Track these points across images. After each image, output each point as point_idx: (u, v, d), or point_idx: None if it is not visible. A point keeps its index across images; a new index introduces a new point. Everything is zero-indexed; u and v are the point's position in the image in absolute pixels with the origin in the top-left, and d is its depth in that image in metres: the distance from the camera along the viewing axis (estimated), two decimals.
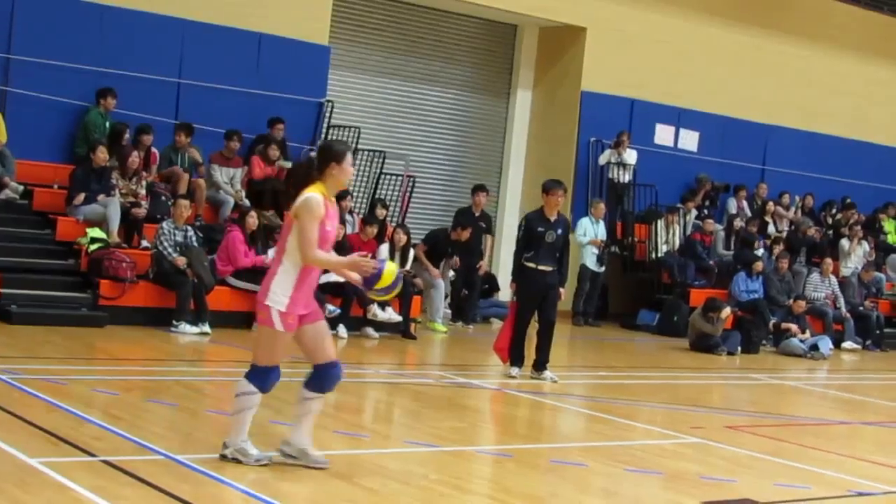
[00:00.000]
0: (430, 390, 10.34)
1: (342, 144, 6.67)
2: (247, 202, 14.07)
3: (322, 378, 6.40)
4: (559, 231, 10.90)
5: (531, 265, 10.71)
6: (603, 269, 16.89)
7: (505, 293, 15.31)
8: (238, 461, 6.31)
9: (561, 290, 11.10)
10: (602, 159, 17.98)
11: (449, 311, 15.32)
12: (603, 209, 16.91)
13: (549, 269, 10.80)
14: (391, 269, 6.37)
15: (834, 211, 20.43)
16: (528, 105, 18.78)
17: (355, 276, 6.33)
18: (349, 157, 6.41)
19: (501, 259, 17.45)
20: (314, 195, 6.20)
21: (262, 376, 6.32)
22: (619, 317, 17.61)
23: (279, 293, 6.20)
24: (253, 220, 13.08)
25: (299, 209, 6.16)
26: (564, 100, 18.28)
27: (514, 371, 10.87)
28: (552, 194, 10.88)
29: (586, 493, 6.77)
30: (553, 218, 10.92)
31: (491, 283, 16.68)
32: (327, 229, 6.27)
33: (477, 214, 15.77)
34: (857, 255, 19.28)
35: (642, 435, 8.86)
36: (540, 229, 10.82)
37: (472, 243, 15.41)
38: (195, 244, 12.54)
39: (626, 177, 17.85)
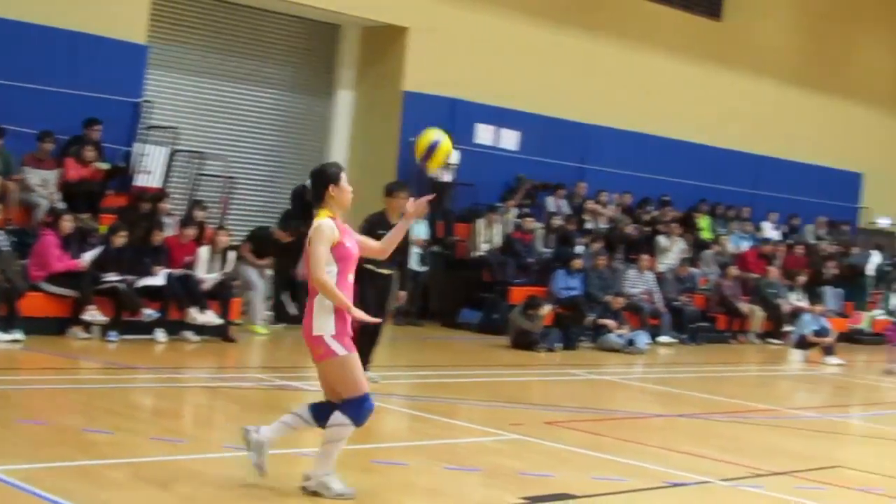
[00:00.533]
0: (250, 393, 10.22)
1: (334, 166, 6.64)
2: (61, 205, 13.63)
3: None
4: None
5: (372, 268, 10.55)
6: (425, 268, 16.98)
7: None
8: (318, 494, 6.21)
9: (402, 293, 11.07)
10: None
11: (270, 313, 15.16)
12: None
13: (390, 272, 10.66)
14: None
15: (651, 208, 21.03)
16: (350, 105, 18.76)
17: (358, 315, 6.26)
18: (343, 175, 6.48)
19: None
20: (324, 221, 6.30)
21: (355, 408, 6.21)
22: (441, 315, 17.74)
23: (322, 320, 6.18)
24: (68, 223, 12.68)
25: (311, 236, 6.26)
26: (386, 99, 18.32)
27: (373, 376, 10.63)
28: (395, 197, 10.67)
29: (406, 492, 6.80)
30: (395, 221, 10.76)
31: None
32: (347, 246, 6.35)
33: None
34: (673, 251, 19.90)
35: (463, 433, 8.94)
36: (381, 232, 10.60)
37: (296, 245, 15.28)
38: (5, 248, 12.09)
39: (447, 176, 17.99)
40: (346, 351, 6.19)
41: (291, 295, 15.32)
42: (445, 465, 7.42)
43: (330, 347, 6.16)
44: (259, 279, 14.68)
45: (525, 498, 6.66)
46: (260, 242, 15.05)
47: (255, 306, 14.57)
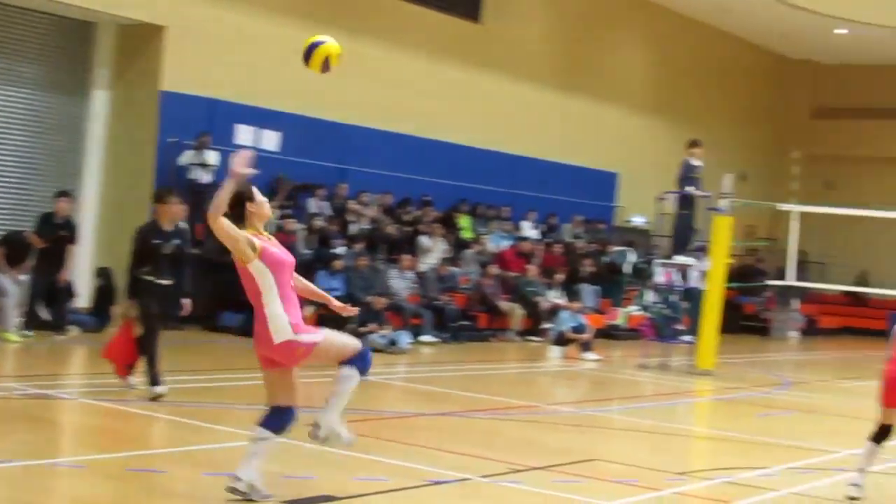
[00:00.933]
0: (2, 403, 9.78)
1: (245, 185, 6.67)
2: None
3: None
4: (177, 242, 10.45)
5: (149, 279, 10.22)
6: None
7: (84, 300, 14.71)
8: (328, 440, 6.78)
9: (186, 301, 10.78)
10: (183, 160, 17.71)
11: (20, 320, 14.52)
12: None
13: (168, 282, 10.35)
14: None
15: (412, 209, 21.28)
16: (106, 105, 18.16)
17: (244, 172, 6.43)
18: (255, 189, 6.72)
19: (80, 265, 16.75)
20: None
21: (360, 360, 6.81)
22: (201, 319, 17.40)
23: (277, 324, 6.55)
24: None
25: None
26: (143, 100, 17.84)
27: (160, 389, 10.28)
28: (166, 202, 10.41)
29: (162, 499, 6.66)
30: (169, 229, 10.50)
31: (69, 291, 15.99)
32: (273, 251, 6.62)
33: (59, 222, 15.02)
34: (435, 251, 20.21)
35: (226, 437, 8.83)
36: (155, 241, 10.33)
37: (54, 250, 14.72)
38: None
39: (207, 178, 17.67)
40: (317, 335, 6.61)
41: (47, 302, 14.78)
42: (204, 472, 7.30)
43: (304, 342, 6.53)
44: (12, 285, 14.10)
45: (285, 501, 6.63)
46: (13, 247, 14.45)
47: (6, 313, 13.96)
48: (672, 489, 8.07)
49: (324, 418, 6.74)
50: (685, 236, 17.34)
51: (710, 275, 16.96)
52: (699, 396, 14.82)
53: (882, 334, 30.43)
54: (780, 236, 19.50)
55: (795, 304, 28.05)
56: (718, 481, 8.53)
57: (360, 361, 6.76)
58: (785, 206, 19.31)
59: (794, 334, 27.49)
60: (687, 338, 17.50)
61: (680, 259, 17.29)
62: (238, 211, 6.57)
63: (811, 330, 29.14)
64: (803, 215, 20.83)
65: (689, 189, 16.77)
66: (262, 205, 6.70)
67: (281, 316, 6.52)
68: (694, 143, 17.06)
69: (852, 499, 7.91)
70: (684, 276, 18.00)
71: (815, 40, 30.52)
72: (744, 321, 28.23)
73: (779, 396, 14.83)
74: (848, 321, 31.41)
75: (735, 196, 17.36)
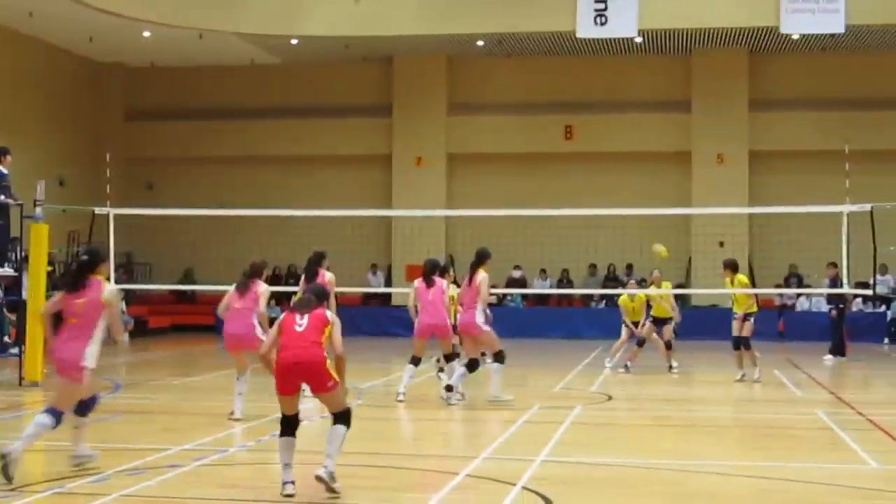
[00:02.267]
0: None
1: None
2: None
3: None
4: None
5: None
6: None
7: None
8: None
9: None
10: None
11: None
12: None
13: None
14: None
15: None
16: None
17: None
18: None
19: None
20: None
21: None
22: None
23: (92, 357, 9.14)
24: None
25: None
26: None
27: None
28: None
29: None
30: None
31: None
32: None
33: None
34: None
35: None
36: None
37: None
38: None
39: None
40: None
41: None
42: None
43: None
44: None
45: None
46: None
47: None
48: None
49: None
50: (2, 246, 16.72)
51: (31, 284, 16.51)
52: (29, 409, 14.37)
53: (210, 329, 31.79)
54: (103, 240, 19.45)
55: (123, 306, 28.20)
56: (49, 493, 8.38)
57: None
58: (101, 210, 19.33)
59: (125, 337, 27.59)
60: (14, 350, 16.92)
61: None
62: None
63: (142, 331, 29.50)
64: (127, 218, 20.97)
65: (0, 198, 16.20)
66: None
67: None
68: (2, 152, 16.51)
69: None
70: (7, 289, 17.36)
71: (124, 43, 30.81)
72: None
73: (111, 400, 14.82)
74: (177, 319, 32.27)
75: (52, 202, 17.06)
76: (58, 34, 29.76)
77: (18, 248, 18.04)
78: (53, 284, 18.20)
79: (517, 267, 30.74)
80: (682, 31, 29.22)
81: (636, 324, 19.96)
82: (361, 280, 30.90)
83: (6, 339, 21.65)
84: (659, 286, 19.77)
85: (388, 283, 31.53)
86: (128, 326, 27.83)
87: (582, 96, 32.30)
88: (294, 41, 30.39)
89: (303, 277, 15.51)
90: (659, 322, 19.60)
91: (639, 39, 29.16)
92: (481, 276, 14.80)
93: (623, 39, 29.06)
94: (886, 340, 28.09)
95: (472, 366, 14.66)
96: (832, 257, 21.40)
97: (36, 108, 30.37)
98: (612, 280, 31.24)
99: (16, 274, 17.59)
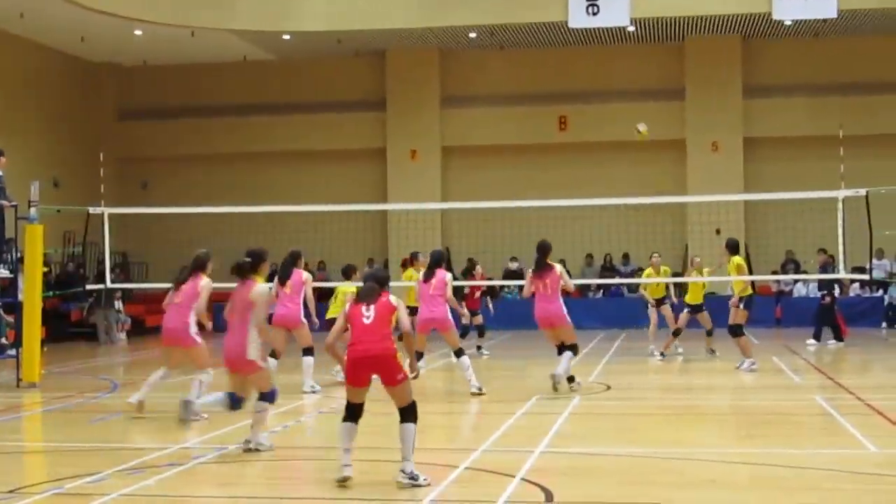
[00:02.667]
0: None
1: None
2: None
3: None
4: None
5: None
6: None
7: None
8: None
9: None
10: None
11: None
12: None
13: None
14: None
15: None
16: None
17: None
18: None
19: None
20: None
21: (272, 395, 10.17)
22: None
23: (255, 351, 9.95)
24: None
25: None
26: None
27: None
28: None
29: None
30: None
31: None
32: None
33: None
34: None
35: None
36: None
37: None
38: None
39: None
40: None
41: None
42: None
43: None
44: None
45: None
46: None
47: None
48: None
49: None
50: None
51: (27, 285, 16.50)
52: (27, 410, 14.37)
53: (205, 327, 31.60)
54: (99, 240, 19.45)
55: (119, 305, 28.21)
56: (48, 494, 8.37)
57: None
58: (96, 210, 19.30)
59: (122, 336, 27.63)
60: (12, 351, 16.91)
61: None
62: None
63: (138, 329, 29.48)
64: (122, 217, 20.94)
65: None
66: None
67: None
68: None
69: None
70: (4, 291, 17.33)
71: (116, 42, 30.74)
72: (72, 328, 27.89)
73: (109, 400, 14.83)
74: None
75: (47, 203, 17.03)
76: (49, 34, 29.69)
77: (14, 250, 18.01)
78: (48, 284, 18.15)
79: (514, 258, 30.70)
80: (674, 18, 29.19)
81: (659, 302, 20.11)
82: (359, 274, 30.86)
83: (3, 340, 21.64)
84: (700, 273, 19.91)
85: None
86: (124, 326, 27.88)
87: (575, 87, 32.28)
88: (286, 37, 30.34)
89: (276, 278, 15.42)
90: (695, 309, 19.71)
91: (631, 28, 29.13)
92: (559, 268, 15.02)
93: (615, 29, 29.04)
94: (884, 325, 28.10)
95: (573, 349, 14.74)
96: (828, 243, 21.39)
97: (29, 109, 30.31)
98: (608, 270, 31.23)
99: (11, 275, 17.57)
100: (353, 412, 8.90)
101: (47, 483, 8.85)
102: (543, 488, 8.43)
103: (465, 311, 19.28)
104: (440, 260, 15.19)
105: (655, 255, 20.37)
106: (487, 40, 31.40)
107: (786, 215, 26.63)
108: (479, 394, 14.32)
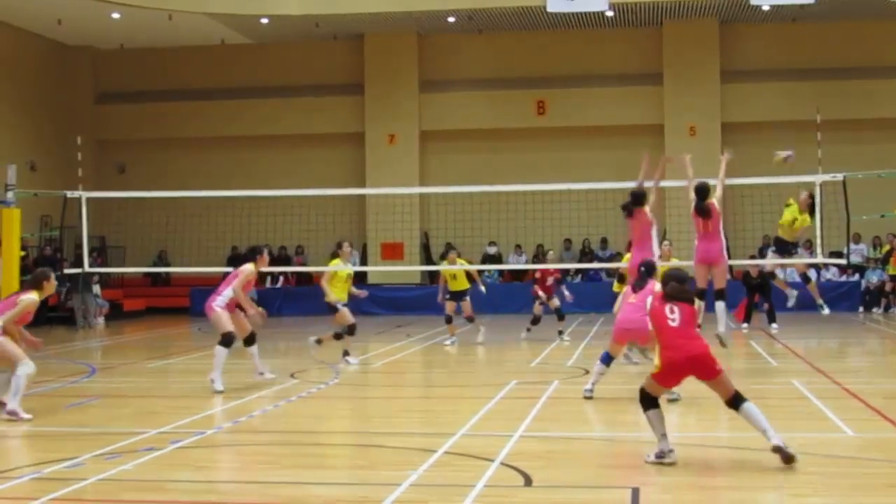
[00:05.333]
0: None
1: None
2: None
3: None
4: None
5: None
6: None
7: None
8: None
9: None
10: None
11: None
12: None
13: None
14: None
15: None
16: None
17: None
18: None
19: None
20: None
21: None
22: None
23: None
24: None
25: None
26: None
27: None
28: None
29: None
30: None
31: None
32: None
33: None
34: None
35: None
36: None
37: None
38: None
39: None
40: None
41: None
42: None
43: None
44: None
45: None
46: None
47: None
48: None
49: None
50: None
51: (5, 269, 16.41)
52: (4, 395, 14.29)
53: (185, 311, 31.76)
54: (76, 224, 19.34)
55: (97, 289, 28.09)
56: (26, 479, 8.35)
57: None
58: (73, 194, 19.19)
59: (100, 320, 27.53)
60: None
61: None
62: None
63: (116, 314, 29.38)
64: (99, 201, 20.79)
65: None
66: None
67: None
68: None
69: None
70: None
71: (93, 26, 30.57)
72: (49, 313, 27.76)
73: (86, 384, 14.79)
74: (151, 301, 32.18)
75: (24, 187, 16.93)
76: (26, 18, 29.49)
77: None
78: (25, 268, 18.05)
79: (492, 243, 30.74)
80: (652, 3, 29.22)
81: None
82: None
83: None
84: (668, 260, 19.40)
85: (364, 262, 31.47)
86: (102, 310, 27.77)
87: (553, 71, 32.27)
88: (264, 20, 30.21)
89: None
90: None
91: (609, 13, 29.12)
92: (718, 206, 15.05)
93: (594, 13, 29.03)
94: (861, 309, 28.27)
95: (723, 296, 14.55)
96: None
97: (5, 93, 30.13)
98: (587, 254, 31.28)
99: None
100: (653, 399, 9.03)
101: (25, 468, 8.82)
102: (522, 472, 8.45)
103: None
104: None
105: (666, 243, 19.50)
106: (466, 24, 31.35)
107: (763, 199, 26.71)
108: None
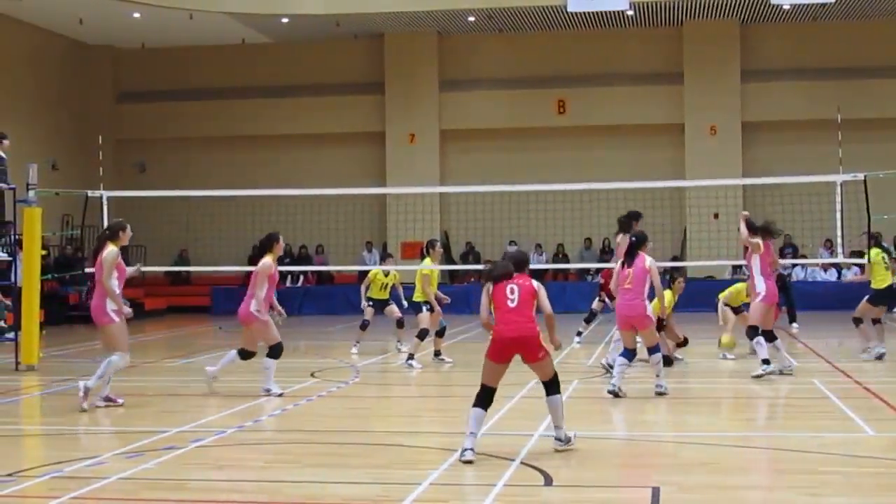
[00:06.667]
0: None
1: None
2: None
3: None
4: None
5: None
6: None
7: None
8: None
9: None
10: None
11: None
12: None
13: None
14: None
15: None
16: None
17: None
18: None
19: None
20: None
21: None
22: None
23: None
24: None
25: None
26: None
27: None
28: None
29: None
30: None
31: None
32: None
33: None
34: None
35: None
36: None
37: None
38: None
39: None
40: None
41: None
42: None
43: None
44: None
45: None
46: None
47: None
48: None
49: None
50: None
51: (26, 268, 16.50)
52: (26, 393, 14.39)
53: (206, 310, 31.85)
54: (97, 223, 19.43)
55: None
56: (47, 477, 8.39)
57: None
58: (95, 193, 19.27)
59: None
60: (10, 335, 16.93)
61: None
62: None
63: (137, 313, 29.44)
64: (120, 200, 20.87)
65: None
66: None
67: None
68: None
69: None
70: (2, 274, 17.33)
71: (114, 25, 30.70)
72: (70, 311, 27.91)
73: None
74: (172, 300, 32.28)
75: (45, 186, 17.01)
76: (47, 17, 29.64)
77: (12, 233, 18.01)
78: (45, 267, 18.15)
79: (512, 242, 30.72)
80: (672, 2, 29.14)
81: (736, 310, 17.51)
82: (356, 258, 30.88)
83: (2, 323, 21.64)
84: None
85: (382, 262, 31.43)
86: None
87: (574, 70, 32.22)
88: (285, 20, 30.28)
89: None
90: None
91: (630, 12, 29.06)
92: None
93: (614, 12, 28.98)
94: None
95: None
96: (826, 227, 21.38)
97: (27, 92, 30.28)
98: (607, 253, 31.21)
99: (10, 258, 17.56)
100: (488, 397, 9.18)
101: (46, 466, 8.86)
102: (542, 471, 8.44)
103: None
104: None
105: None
106: (486, 24, 31.33)
107: (784, 199, 26.63)
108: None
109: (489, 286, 9.29)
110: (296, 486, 8.14)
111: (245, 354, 13.17)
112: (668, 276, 17.36)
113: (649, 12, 30.23)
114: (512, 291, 9.20)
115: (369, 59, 33.20)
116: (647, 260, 12.72)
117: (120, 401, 12.23)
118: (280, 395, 12.91)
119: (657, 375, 12.76)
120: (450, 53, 32.81)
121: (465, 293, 26.34)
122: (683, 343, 16.34)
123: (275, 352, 13.06)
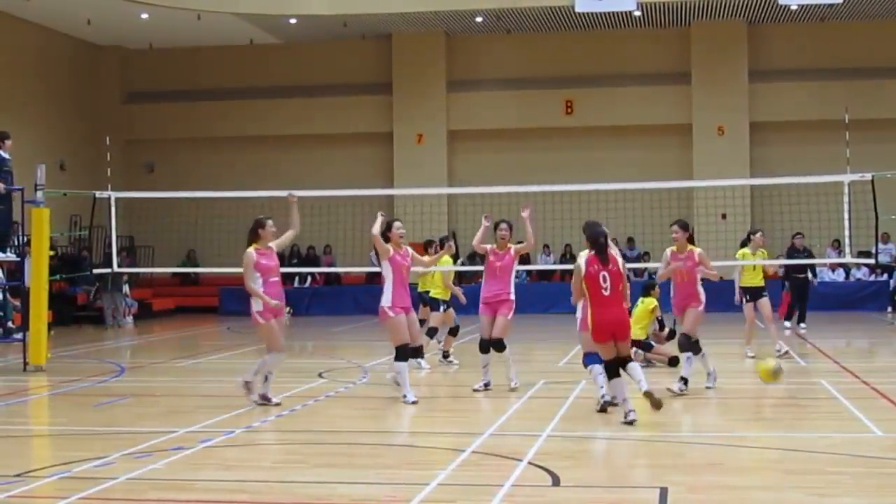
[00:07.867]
0: None
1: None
2: None
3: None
4: None
5: None
6: None
7: None
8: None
9: None
10: None
11: None
12: None
13: None
14: None
15: None
16: None
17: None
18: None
19: None
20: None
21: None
22: None
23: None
24: None
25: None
26: None
27: None
28: None
29: None
30: None
31: None
32: (263, 262, 12.17)
33: None
34: None
35: None
36: None
37: None
38: None
39: None
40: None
41: None
42: None
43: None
44: None
45: None
46: None
47: None
48: (6, 493, 7.80)
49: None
50: (4, 232, 16.71)
51: (34, 269, 16.53)
52: (34, 393, 14.42)
53: (214, 311, 31.86)
54: (105, 224, 19.47)
55: (127, 289, 28.24)
56: (55, 478, 8.41)
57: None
58: (103, 194, 19.31)
59: (129, 320, 27.67)
60: (19, 335, 16.97)
61: (1, 256, 16.66)
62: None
63: (145, 313, 29.53)
64: (128, 200, 20.91)
65: None
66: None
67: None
68: (2, 137, 16.45)
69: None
70: (11, 274, 17.36)
71: (122, 26, 30.75)
72: (78, 312, 27.95)
73: (115, 384, 14.87)
74: (181, 301, 32.31)
75: (53, 186, 17.04)
76: (56, 18, 29.70)
77: (20, 233, 18.05)
78: (54, 268, 18.18)
79: (520, 242, 30.69)
80: (680, 2, 29.12)
81: (755, 293, 17.07)
82: (364, 259, 30.88)
83: (10, 324, 21.66)
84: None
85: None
86: (131, 310, 27.92)
87: (581, 70, 32.21)
88: (292, 20, 30.30)
89: None
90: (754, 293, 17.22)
91: (637, 13, 29.04)
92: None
93: (622, 13, 28.95)
94: (890, 309, 28.06)
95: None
96: (834, 227, 21.36)
97: (35, 93, 30.33)
98: None
99: (18, 259, 17.61)
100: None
101: (54, 467, 8.88)
102: (550, 472, 8.45)
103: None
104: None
105: (759, 233, 17.64)
106: (494, 24, 31.34)
107: (792, 199, 26.58)
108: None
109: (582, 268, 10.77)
110: (304, 487, 8.15)
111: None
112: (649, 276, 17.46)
113: (657, 13, 30.21)
114: (604, 279, 10.71)
115: (377, 60, 33.22)
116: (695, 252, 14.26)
117: (275, 400, 12.08)
118: (414, 402, 12.28)
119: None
120: (457, 54, 32.82)
121: (473, 294, 26.30)
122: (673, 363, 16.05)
123: (402, 355, 12.51)
